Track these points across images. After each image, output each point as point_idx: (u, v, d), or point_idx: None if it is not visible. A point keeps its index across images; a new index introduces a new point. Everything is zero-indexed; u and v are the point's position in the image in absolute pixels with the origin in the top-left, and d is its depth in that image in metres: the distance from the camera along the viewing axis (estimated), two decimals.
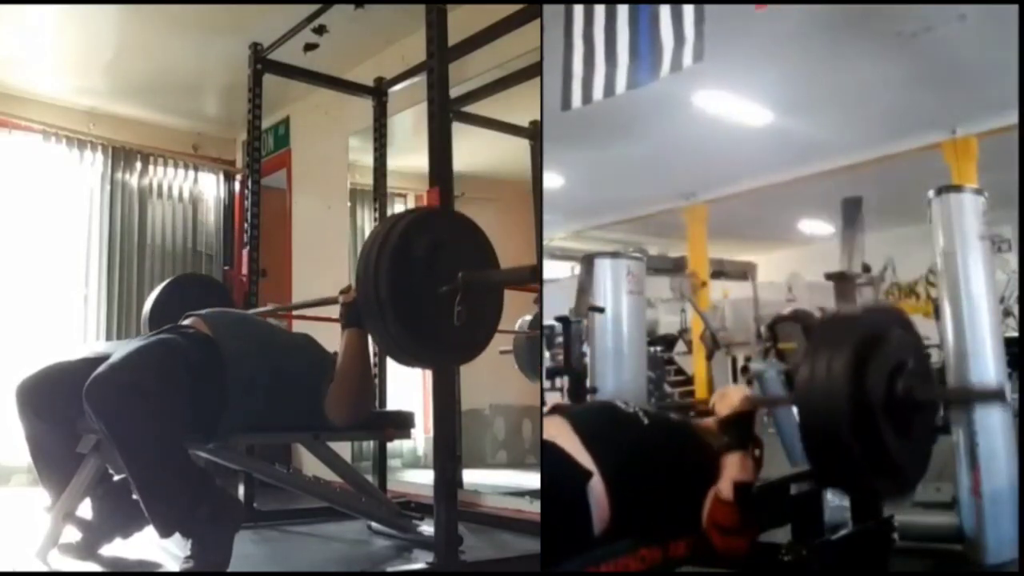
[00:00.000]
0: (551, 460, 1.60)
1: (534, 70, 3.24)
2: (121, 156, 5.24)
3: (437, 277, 1.94)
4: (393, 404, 3.41)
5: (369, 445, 4.24)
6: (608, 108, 3.11)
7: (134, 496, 2.02)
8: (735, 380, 5.61)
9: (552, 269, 7.60)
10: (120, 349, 2.05)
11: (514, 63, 3.43)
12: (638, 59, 2.67)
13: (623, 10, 2.71)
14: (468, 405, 4.14)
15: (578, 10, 2.80)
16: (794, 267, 7.24)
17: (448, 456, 2.19)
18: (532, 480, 3.66)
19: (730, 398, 1.70)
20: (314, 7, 3.35)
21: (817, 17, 3.73)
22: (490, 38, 3.02)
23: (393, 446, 4.03)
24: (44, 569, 2.14)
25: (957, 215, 2.53)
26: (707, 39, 2.57)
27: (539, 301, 2.02)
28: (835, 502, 2.17)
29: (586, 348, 3.37)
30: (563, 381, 3.21)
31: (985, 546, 2.35)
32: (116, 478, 2.23)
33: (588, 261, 3.46)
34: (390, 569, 2.61)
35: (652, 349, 6.21)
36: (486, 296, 2.05)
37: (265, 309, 3.10)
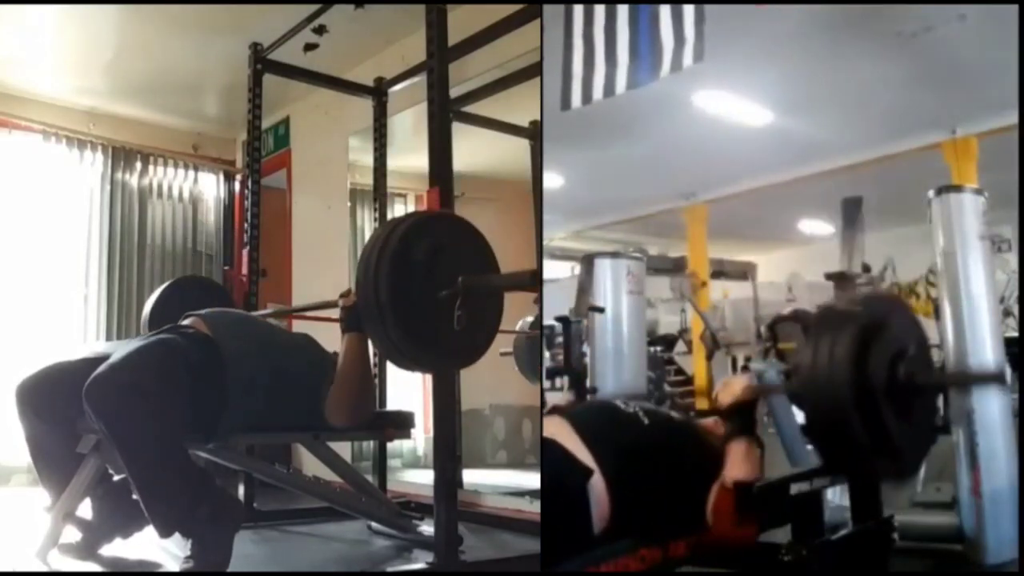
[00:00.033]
0: (552, 458, 1.60)
1: (534, 70, 3.24)
2: (121, 156, 5.24)
3: (437, 281, 1.93)
4: (393, 404, 3.41)
5: (369, 445, 4.24)
6: (608, 108, 3.11)
7: (134, 496, 2.02)
8: None
9: (552, 269, 7.61)
10: (120, 349, 2.05)
11: (514, 63, 3.43)
12: (638, 59, 2.67)
13: (623, 10, 2.71)
14: (468, 405, 4.14)
15: (578, 10, 2.80)
16: (794, 267, 7.24)
17: (448, 456, 2.19)
18: (532, 480, 3.66)
19: (733, 387, 1.72)
20: (314, 7, 3.36)
21: (817, 17, 3.73)
22: (490, 38, 3.02)
23: (393, 446, 4.03)
24: (44, 569, 2.14)
25: (957, 215, 2.53)
26: (707, 39, 2.57)
27: (539, 302, 2.01)
28: (835, 502, 2.18)
29: (586, 348, 3.37)
30: (563, 381, 3.21)
31: (985, 546, 2.35)
32: (116, 478, 2.23)
33: (588, 261, 3.47)
34: (390, 569, 2.61)
35: (652, 349, 6.21)
36: (486, 300, 2.05)
37: (265, 312, 3.09)
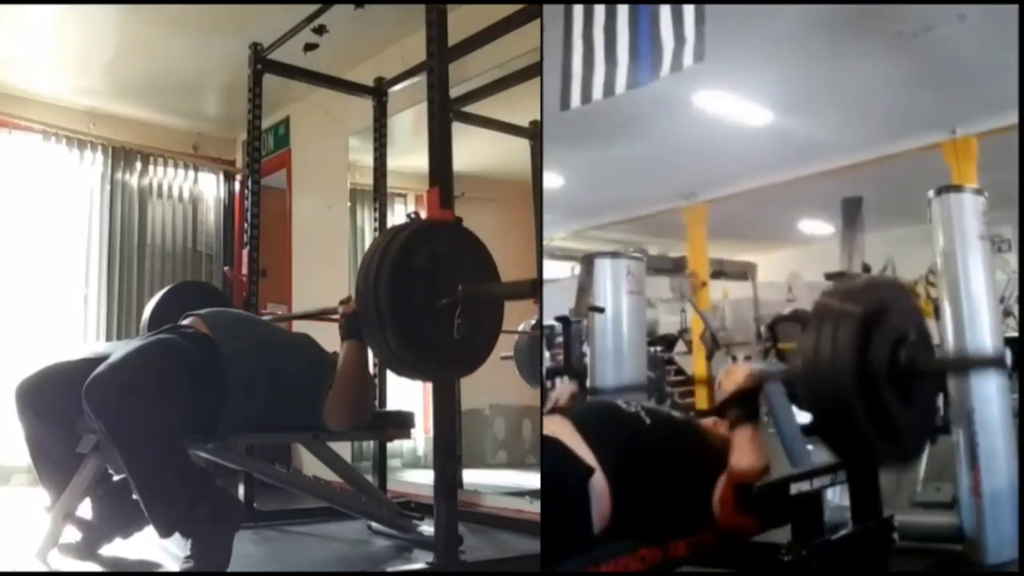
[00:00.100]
0: (552, 456, 1.60)
1: (534, 70, 3.24)
2: (121, 156, 5.23)
3: (437, 290, 1.94)
4: (393, 404, 3.42)
5: (369, 445, 4.24)
6: (608, 108, 3.11)
7: (134, 496, 2.02)
8: None
9: (552, 269, 7.61)
10: (120, 349, 2.05)
11: (514, 63, 3.43)
12: (638, 59, 2.67)
13: (623, 10, 2.71)
14: (468, 405, 4.14)
15: (578, 10, 2.80)
16: (794, 267, 7.24)
17: (448, 456, 2.19)
18: (532, 480, 3.66)
19: (735, 375, 1.72)
20: (314, 7, 3.35)
21: (817, 17, 3.73)
22: (490, 38, 3.02)
23: (393, 446, 4.03)
24: (44, 569, 2.14)
25: (957, 215, 2.53)
26: (707, 39, 2.57)
27: (539, 303, 2.01)
28: (835, 502, 2.18)
29: (586, 348, 3.37)
30: (563, 380, 3.21)
31: (985, 546, 2.35)
32: (116, 478, 2.23)
33: (588, 261, 3.47)
34: (390, 569, 2.62)
35: (652, 349, 6.21)
36: (486, 309, 2.05)
37: (265, 318, 3.09)
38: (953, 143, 5.18)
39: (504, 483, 3.94)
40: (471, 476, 3.83)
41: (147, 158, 5.35)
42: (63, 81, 4.74)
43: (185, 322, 2.28)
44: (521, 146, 4.02)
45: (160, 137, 5.41)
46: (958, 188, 2.76)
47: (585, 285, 3.44)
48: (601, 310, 3.35)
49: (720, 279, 8.42)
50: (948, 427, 2.51)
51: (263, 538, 2.93)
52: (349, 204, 4.74)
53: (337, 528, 3.05)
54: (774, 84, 4.54)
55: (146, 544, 2.25)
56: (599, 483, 1.56)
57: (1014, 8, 2.82)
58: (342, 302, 2.24)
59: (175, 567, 2.12)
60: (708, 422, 1.84)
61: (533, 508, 3.15)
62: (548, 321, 3.54)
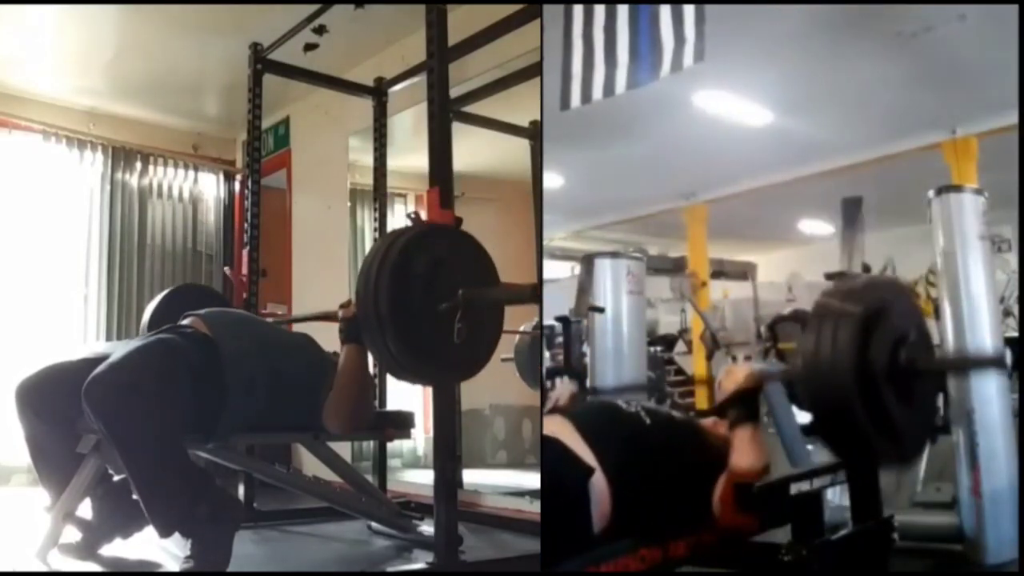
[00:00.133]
0: (553, 456, 1.60)
1: (534, 70, 3.24)
2: (121, 156, 5.24)
3: (437, 294, 1.93)
4: (393, 404, 3.42)
5: (369, 445, 4.24)
6: (608, 108, 3.11)
7: (134, 496, 2.02)
8: None
9: (552, 269, 7.61)
10: (119, 349, 2.05)
11: (514, 63, 3.43)
12: (638, 59, 2.67)
13: (623, 10, 2.71)
14: (468, 405, 4.14)
15: (578, 10, 2.80)
16: (794, 267, 7.24)
17: (448, 456, 2.19)
18: (532, 480, 3.66)
19: (735, 375, 1.72)
20: (314, 7, 3.36)
21: (817, 17, 3.73)
22: (490, 38, 3.02)
23: (393, 446, 4.03)
24: (44, 569, 2.14)
25: (957, 215, 2.53)
26: (707, 39, 2.57)
27: (539, 303, 2.01)
28: (835, 502, 2.18)
29: (586, 348, 3.37)
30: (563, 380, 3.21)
31: (985, 546, 2.35)
32: (116, 478, 2.23)
33: (588, 261, 3.47)
34: (390, 569, 2.62)
35: (652, 349, 6.21)
36: (486, 313, 2.05)
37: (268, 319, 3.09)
38: (953, 143, 5.19)
39: (504, 483, 3.94)
40: (471, 476, 3.83)
41: (147, 158, 5.35)
42: (63, 81, 4.74)
43: (185, 322, 2.28)
44: (521, 146, 4.02)
45: (160, 137, 5.41)
46: (958, 188, 2.76)
47: (585, 285, 3.44)
48: (601, 310, 3.35)
49: (720, 279, 8.42)
50: (948, 427, 2.51)
51: (263, 538, 2.93)
52: (349, 204, 4.74)
53: (337, 528, 3.05)
54: (774, 84, 4.54)
55: (146, 544, 2.25)
56: (599, 483, 1.56)
57: (1014, 8, 2.82)
58: (342, 306, 2.24)
59: (175, 567, 2.12)
60: (708, 422, 1.84)
61: (533, 508, 3.15)
62: (548, 321, 3.54)
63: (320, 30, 3.62)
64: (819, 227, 8.14)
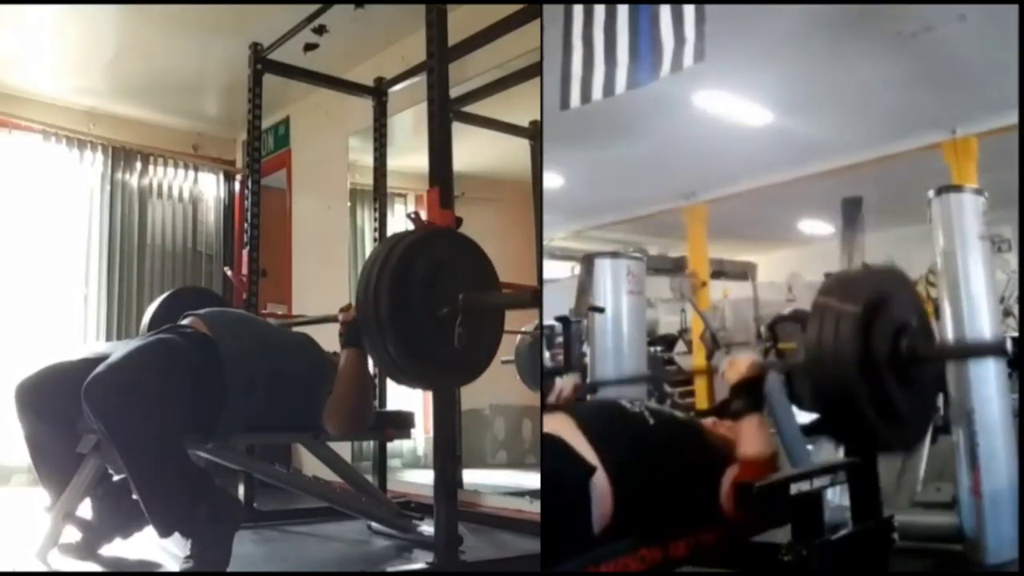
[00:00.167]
0: (554, 454, 1.60)
1: (534, 70, 3.24)
2: (121, 156, 5.24)
3: (438, 299, 1.94)
4: (393, 404, 3.42)
5: (369, 445, 4.24)
6: (608, 108, 3.11)
7: (134, 496, 2.02)
8: None
9: (552, 269, 7.60)
10: (119, 349, 2.05)
11: (514, 63, 3.43)
12: (638, 59, 2.67)
13: (623, 10, 2.70)
14: (468, 405, 4.14)
15: (578, 10, 2.80)
16: (794, 267, 7.23)
17: (448, 456, 2.19)
18: (532, 480, 3.65)
19: (739, 365, 1.74)
20: (314, 7, 3.36)
21: (817, 17, 3.72)
22: (490, 38, 3.02)
23: (393, 446, 4.03)
24: (44, 569, 2.14)
25: (957, 215, 2.53)
26: (707, 39, 2.56)
27: (539, 307, 2.02)
28: (835, 502, 2.18)
29: (586, 348, 3.37)
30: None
31: (985, 546, 2.35)
32: (116, 478, 2.23)
33: (588, 261, 3.46)
34: (390, 569, 2.62)
35: (652, 349, 6.21)
36: (487, 317, 2.05)
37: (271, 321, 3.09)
38: (953, 143, 5.18)
39: (504, 483, 3.94)
40: (471, 476, 3.83)
41: (147, 158, 5.35)
42: (63, 81, 4.74)
43: (185, 322, 2.28)
44: (521, 146, 4.02)
45: (160, 137, 5.42)
46: (958, 188, 2.76)
47: (585, 285, 3.44)
48: (601, 310, 3.35)
49: (720, 279, 8.41)
50: (948, 427, 2.51)
51: (263, 538, 2.93)
52: (349, 204, 4.74)
53: (337, 528, 3.05)
54: (774, 84, 4.54)
55: (146, 544, 2.25)
56: (601, 482, 1.56)
57: (1014, 8, 2.82)
58: (342, 310, 2.24)
59: (175, 567, 2.12)
60: (707, 422, 1.84)
61: (533, 508, 3.15)
62: (548, 321, 3.54)
63: (320, 30, 3.62)
64: (819, 227, 8.13)
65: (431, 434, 2.23)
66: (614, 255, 3.54)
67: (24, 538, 2.38)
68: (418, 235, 2.05)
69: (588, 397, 3.11)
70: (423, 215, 2.18)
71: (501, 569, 2.44)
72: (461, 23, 2.78)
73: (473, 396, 4.16)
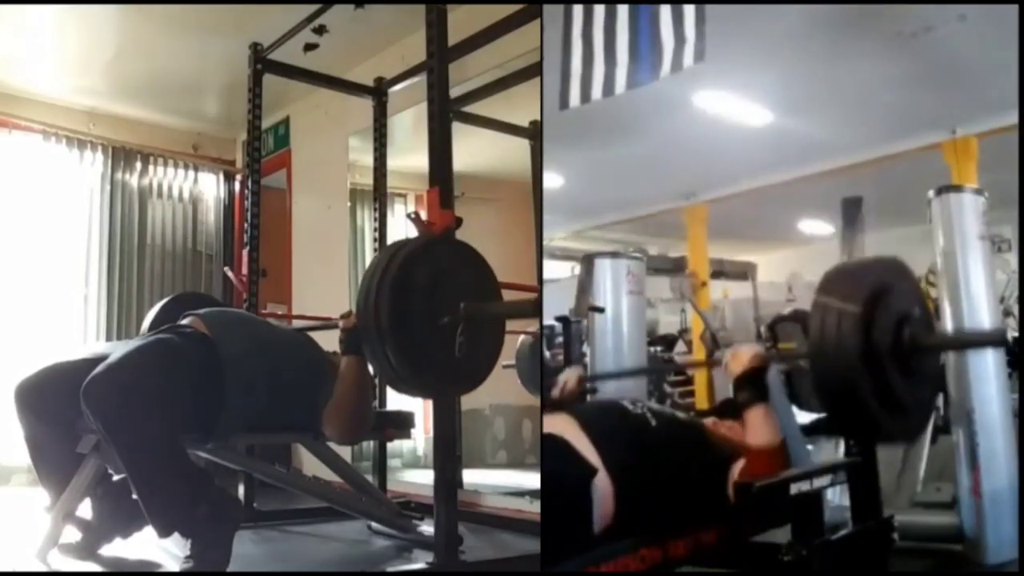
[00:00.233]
0: (557, 454, 1.60)
1: (534, 70, 3.24)
2: (121, 156, 5.24)
3: (438, 307, 1.94)
4: (393, 404, 3.41)
5: (369, 445, 4.24)
6: (608, 108, 3.11)
7: (134, 496, 2.02)
8: None
9: (552, 269, 7.60)
10: (119, 349, 2.05)
11: (514, 63, 3.43)
12: (638, 59, 2.67)
13: (623, 10, 2.70)
14: (468, 405, 4.13)
15: (578, 10, 2.80)
16: (794, 267, 7.23)
17: (448, 456, 2.19)
18: (532, 480, 3.65)
19: (741, 357, 1.74)
20: (314, 7, 3.35)
21: (817, 17, 3.72)
22: (490, 38, 3.02)
23: (393, 446, 4.03)
24: (44, 569, 2.14)
25: (957, 215, 2.53)
26: (707, 39, 2.56)
27: (539, 303, 2.02)
28: (835, 502, 2.18)
29: (586, 348, 3.37)
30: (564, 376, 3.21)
31: (985, 546, 2.35)
32: (116, 478, 2.23)
33: (588, 261, 3.46)
34: (390, 569, 2.62)
35: (652, 349, 6.20)
36: (488, 326, 2.05)
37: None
38: (953, 143, 5.18)
39: (504, 483, 3.94)
40: (471, 476, 3.83)
41: (147, 158, 5.36)
42: (63, 81, 4.75)
43: (184, 322, 2.28)
44: (521, 146, 4.02)
45: (160, 137, 5.42)
46: (958, 188, 2.76)
47: (585, 285, 3.44)
48: (601, 310, 3.34)
49: (720, 279, 8.40)
50: (948, 427, 2.51)
51: (263, 538, 2.93)
52: (349, 204, 4.74)
53: (337, 528, 3.05)
54: (774, 84, 4.53)
55: (146, 544, 2.25)
56: (602, 483, 1.55)
57: (1014, 8, 2.82)
58: (343, 316, 2.24)
59: (175, 567, 2.12)
60: (708, 422, 1.84)
61: (533, 508, 3.15)
62: (548, 321, 3.54)
63: (320, 30, 3.62)
64: (819, 227, 8.12)
65: (431, 434, 2.23)
66: (614, 255, 3.54)
67: (24, 538, 2.38)
68: (418, 243, 2.05)
69: (588, 398, 3.12)
70: (423, 215, 2.17)
71: (501, 569, 2.44)
72: (461, 23, 2.78)
73: (473, 396, 4.11)
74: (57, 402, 2.12)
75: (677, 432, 1.75)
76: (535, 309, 1.93)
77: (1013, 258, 4.78)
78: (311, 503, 2.96)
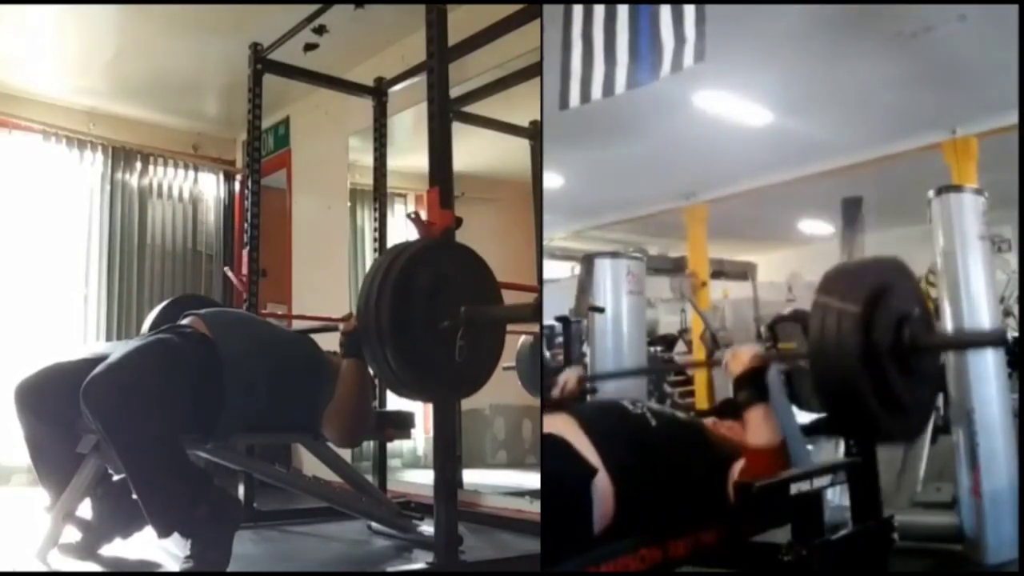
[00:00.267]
0: (557, 454, 1.60)
1: (534, 70, 3.24)
2: (121, 156, 5.24)
3: (439, 311, 1.94)
4: (393, 404, 3.41)
5: (369, 445, 4.24)
6: (608, 108, 3.10)
7: (134, 496, 2.02)
8: None
9: (552, 269, 7.60)
10: (119, 349, 2.05)
11: (514, 63, 3.43)
12: (638, 59, 2.67)
13: (623, 10, 2.70)
14: (468, 405, 4.13)
15: (578, 10, 2.80)
16: (794, 267, 7.23)
17: (448, 456, 2.19)
18: (532, 480, 3.65)
19: (741, 357, 1.74)
20: (314, 7, 3.35)
21: (817, 17, 3.72)
22: (490, 38, 3.02)
23: (393, 446, 4.03)
24: (44, 569, 2.14)
25: (957, 215, 2.53)
26: (707, 39, 2.56)
27: (539, 307, 2.02)
28: (835, 502, 2.18)
29: (586, 348, 3.37)
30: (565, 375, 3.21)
31: (985, 546, 2.35)
32: (116, 478, 2.23)
33: (588, 261, 3.46)
34: (390, 569, 2.62)
35: (652, 349, 6.20)
36: (488, 330, 2.05)
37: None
38: (953, 143, 5.18)
39: (504, 483, 3.94)
40: (471, 476, 3.83)
41: (147, 158, 5.36)
42: (63, 81, 4.75)
43: (184, 322, 2.28)
44: (521, 146, 4.02)
45: (160, 137, 5.42)
46: (958, 188, 2.76)
47: (585, 285, 3.44)
48: (601, 310, 3.35)
49: (720, 279, 8.40)
50: (948, 427, 2.51)
51: (263, 538, 2.93)
52: (349, 204, 4.74)
53: (337, 528, 3.05)
54: (774, 84, 4.54)
55: (146, 544, 2.25)
56: (602, 483, 1.56)
57: (1014, 8, 2.82)
58: (343, 319, 2.23)
59: (175, 567, 2.12)
60: (708, 422, 1.84)
61: (533, 508, 3.15)
62: (548, 321, 3.54)
63: (320, 30, 3.62)
64: (819, 227, 8.12)
65: (431, 434, 2.23)
66: (614, 255, 3.54)
67: (24, 538, 2.38)
68: (419, 247, 2.05)
69: (588, 398, 3.12)
70: (423, 215, 2.17)
71: (501, 569, 2.44)
72: (461, 23, 2.78)
73: (473, 396, 4.14)
74: (57, 402, 2.12)
75: (677, 432, 1.75)
76: (535, 314, 1.93)
77: (1013, 258, 4.78)
78: (311, 503, 2.96)
